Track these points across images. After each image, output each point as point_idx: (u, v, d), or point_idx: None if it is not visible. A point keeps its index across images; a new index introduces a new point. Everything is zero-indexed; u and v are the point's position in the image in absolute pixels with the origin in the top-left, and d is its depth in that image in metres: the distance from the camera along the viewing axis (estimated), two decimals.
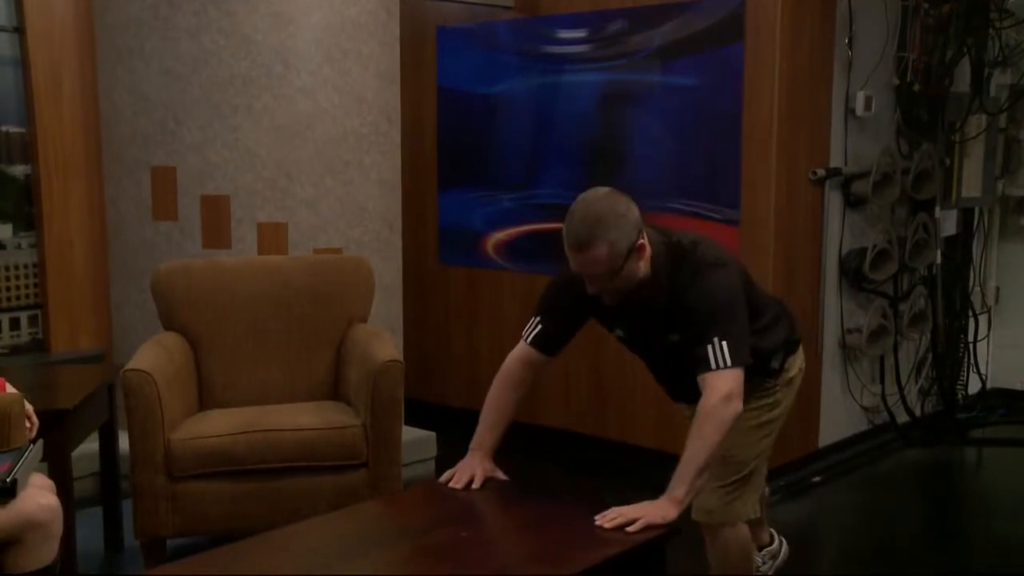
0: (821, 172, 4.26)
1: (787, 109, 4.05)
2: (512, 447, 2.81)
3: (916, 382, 5.02)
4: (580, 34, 4.53)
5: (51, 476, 2.71)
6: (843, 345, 4.54)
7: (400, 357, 3.46)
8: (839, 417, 4.56)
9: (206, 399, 3.65)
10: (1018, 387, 5.39)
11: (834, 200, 4.38)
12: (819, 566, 3.56)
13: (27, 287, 4.35)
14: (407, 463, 3.64)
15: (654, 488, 2.41)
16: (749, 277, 2.64)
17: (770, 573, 3.19)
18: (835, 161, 4.34)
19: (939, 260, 4.84)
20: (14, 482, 2.38)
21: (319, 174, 4.27)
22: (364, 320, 3.84)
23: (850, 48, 4.31)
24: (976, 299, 5.26)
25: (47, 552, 2.47)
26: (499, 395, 2.66)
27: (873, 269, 4.42)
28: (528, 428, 4.60)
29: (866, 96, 4.36)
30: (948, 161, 4.82)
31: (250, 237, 4.20)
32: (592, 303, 2.53)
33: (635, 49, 4.36)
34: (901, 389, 4.84)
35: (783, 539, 3.20)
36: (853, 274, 4.46)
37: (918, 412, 5.00)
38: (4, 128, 4.30)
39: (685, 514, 2.36)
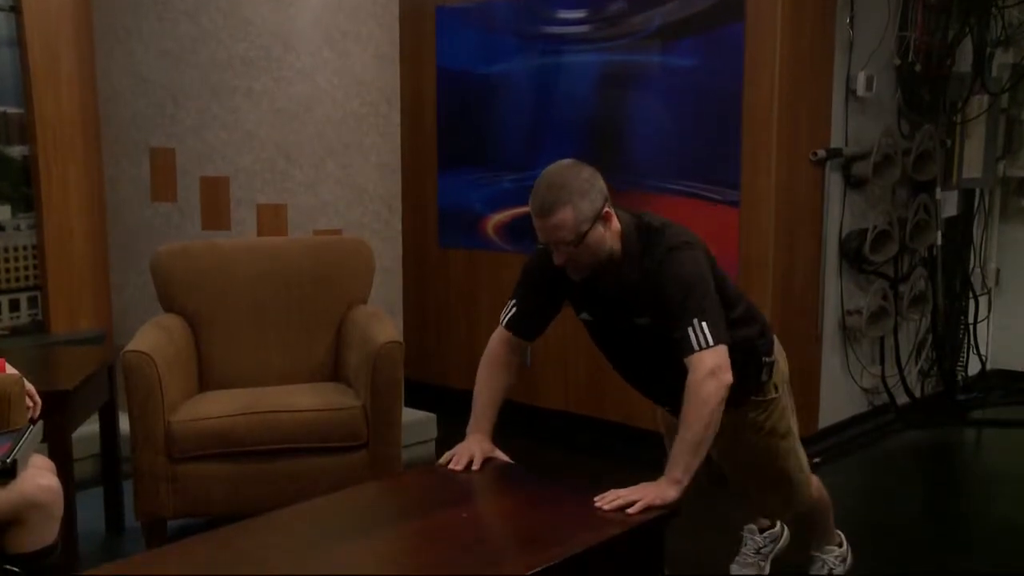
0: (822, 153, 4.24)
1: (787, 90, 4.03)
2: (511, 429, 2.82)
3: (916, 363, 5.03)
4: (580, 14, 4.51)
5: (51, 457, 2.72)
6: (843, 326, 4.54)
7: (400, 338, 3.46)
8: (839, 398, 4.57)
9: (206, 380, 3.66)
10: (1018, 368, 5.39)
11: (835, 181, 4.37)
12: None
13: (26, 268, 4.34)
14: (407, 444, 3.64)
15: (653, 469, 2.41)
16: (717, 267, 2.58)
17: (771, 556, 3.20)
18: (836, 142, 4.33)
19: (939, 241, 4.83)
20: (14, 463, 2.38)
21: (319, 156, 4.26)
22: (364, 302, 3.83)
23: (851, 28, 4.29)
24: (976, 280, 5.25)
25: (48, 532, 2.47)
26: (488, 377, 2.65)
27: (873, 250, 4.42)
28: (527, 410, 4.61)
29: (867, 76, 4.34)
30: (949, 142, 4.81)
31: (250, 219, 4.20)
32: (562, 283, 2.52)
33: (635, 29, 4.34)
34: (901, 370, 4.85)
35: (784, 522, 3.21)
36: (853, 255, 4.45)
37: (918, 393, 5.01)
38: (1, 109, 4.28)
39: (684, 496, 2.36)
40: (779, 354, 2.72)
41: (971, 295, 5.22)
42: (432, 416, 4.52)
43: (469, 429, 2.62)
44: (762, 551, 3.18)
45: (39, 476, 2.47)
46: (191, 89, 4.11)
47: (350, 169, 4.35)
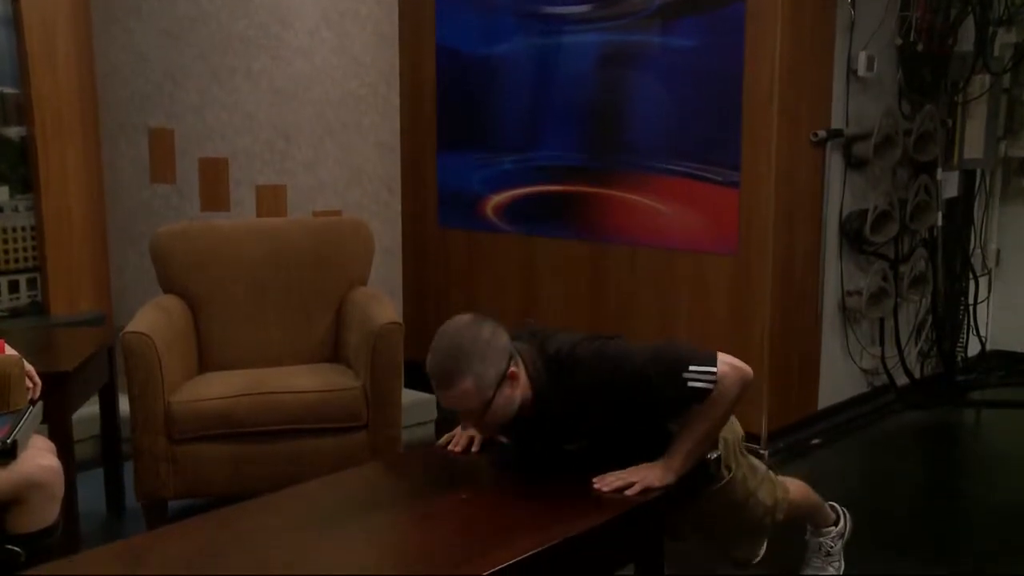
0: (822, 133, 4.23)
1: (788, 70, 4.01)
2: None
3: (916, 344, 5.03)
4: None
5: (52, 438, 2.72)
6: (843, 307, 4.54)
7: (400, 319, 3.45)
8: (838, 379, 4.57)
9: (206, 362, 3.66)
10: (1018, 349, 5.39)
11: (835, 162, 4.36)
12: None
13: (25, 250, 4.34)
14: (407, 425, 3.64)
15: (652, 452, 2.41)
16: None
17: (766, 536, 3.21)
18: (836, 122, 4.31)
19: (940, 222, 4.82)
20: (14, 443, 2.39)
21: (318, 136, 4.24)
22: (364, 283, 3.83)
23: (852, 7, 4.26)
24: (976, 261, 5.25)
25: (49, 513, 2.48)
26: None
27: (874, 231, 4.41)
28: None
29: (868, 56, 4.32)
30: (950, 122, 4.79)
31: (249, 200, 4.19)
32: None
33: (636, 9, 4.31)
34: (901, 351, 4.85)
35: None
36: (854, 236, 4.44)
37: (917, 374, 5.01)
38: None
39: (683, 478, 2.37)
40: (726, 429, 2.52)
41: (971, 276, 5.21)
42: (432, 397, 4.52)
43: None
44: None
45: (39, 457, 2.48)
46: (190, 69, 4.10)
47: (349, 150, 4.33)
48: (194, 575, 1.94)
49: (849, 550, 3.10)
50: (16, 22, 4.23)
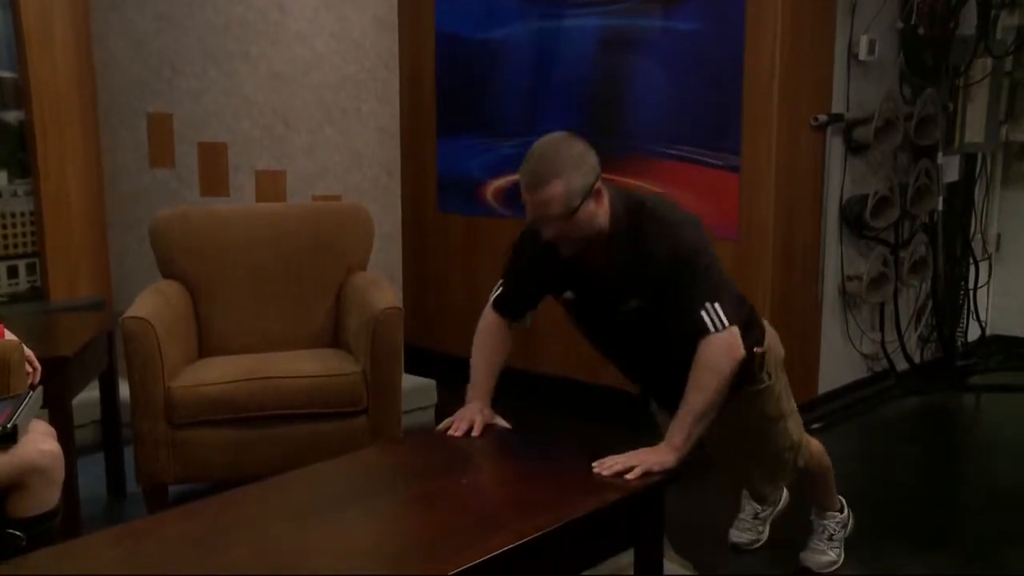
0: (823, 118, 4.22)
1: (789, 54, 4.00)
2: (512, 394, 2.82)
3: (916, 329, 5.03)
4: None
5: (52, 423, 2.72)
6: (843, 292, 4.53)
7: (399, 304, 3.45)
8: (838, 364, 4.58)
9: (205, 347, 3.66)
10: (1018, 334, 5.39)
11: (836, 146, 4.35)
12: None
13: (24, 235, 4.33)
14: (407, 410, 3.65)
15: (652, 435, 2.42)
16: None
17: (769, 520, 3.22)
18: (837, 107, 4.30)
19: (940, 207, 4.82)
20: (15, 428, 2.39)
21: (317, 121, 4.23)
22: (363, 268, 3.83)
23: None
24: (977, 246, 5.24)
25: (49, 497, 2.49)
26: (485, 345, 2.65)
27: (874, 216, 4.40)
28: (528, 375, 4.62)
29: (869, 40, 4.31)
30: (951, 106, 4.78)
31: (248, 185, 4.18)
32: (548, 263, 2.45)
33: None
34: (901, 336, 4.85)
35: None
36: (854, 221, 4.44)
37: (917, 359, 5.01)
38: None
39: (682, 462, 2.37)
40: (772, 338, 2.67)
41: (972, 261, 5.21)
42: (432, 382, 4.53)
43: (469, 395, 2.63)
44: (760, 515, 3.20)
45: (40, 441, 2.48)
46: (188, 53, 4.08)
47: (349, 134, 4.32)
48: (195, 559, 1.94)
49: (849, 534, 3.11)
50: (13, 6, 4.21)
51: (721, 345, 2.35)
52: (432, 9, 5.00)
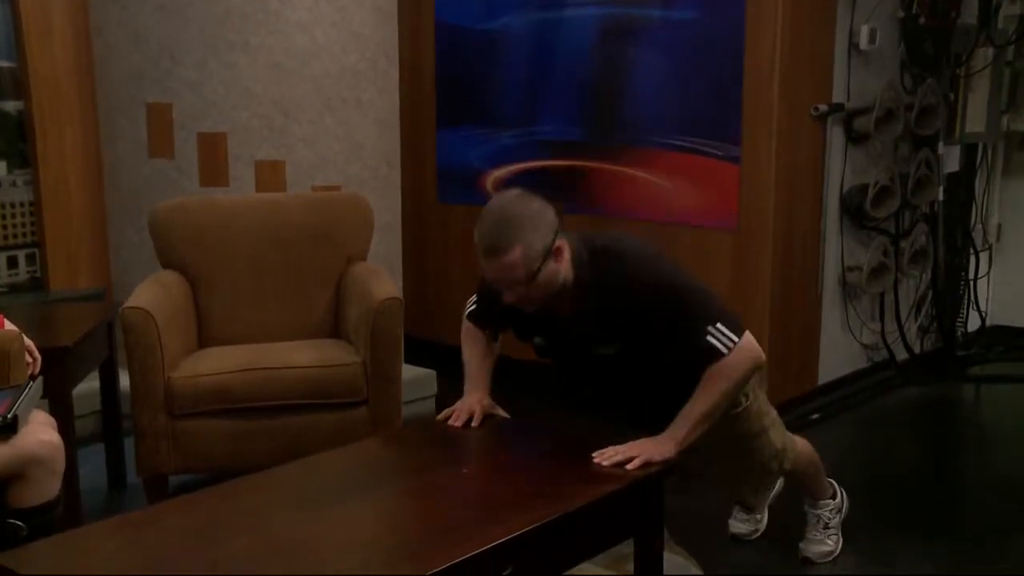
0: (823, 108, 4.21)
1: (789, 43, 3.99)
2: (511, 385, 2.82)
3: (916, 320, 5.03)
4: None
5: (52, 413, 2.72)
6: (843, 283, 4.53)
7: (399, 294, 3.45)
8: (838, 354, 4.57)
9: (205, 337, 3.66)
10: (1018, 324, 5.39)
11: (836, 136, 4.34)
12: None
13: (24, 225, 4.32)
14: (407, 401, 3.65)
15: (653, 426, 2.41)
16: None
17: (767, 505, 3.22)
18: (838, 96, 4.29)
19: (941, 197, 4.81)
20: (15, 418, 2.39)
21: (317, 112, 4.22)
22: (363, 258, 3.83)
23: None
24: (977, 236, 5.23)
25: (50, 487, 2.49)
26: (474, 340, 2.66)
27: (874, 206, 4.40)
28: (528, 366, 4.61)
29: (870, 29, 4.29)
30: (952, 96, 4.76)
31: (248, 175, 4.17)
32: (513, 311, 2.41)
33: None
34: (901, 327, 4.85)
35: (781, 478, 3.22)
36: (854, 211, 4.43)
37: (917, 349, 5.01)
38: None
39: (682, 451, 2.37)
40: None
41: (972, 251, 5.20)
42: (432, 372, 4.53)
43: (467, 387, 2.63)
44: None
45: (40, 431, 2.48)
46: (187, 44, 4.07)
47: (348, 125, 4.31)
48: (195, 549, 1.94)
49: (848, 524, 3.12)
50: None
51: (740, 358, 2.33)
52: None
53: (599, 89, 4.47)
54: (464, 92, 4.95)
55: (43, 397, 2.72)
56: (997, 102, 4.91)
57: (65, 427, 2.72)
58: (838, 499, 3.09)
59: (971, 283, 5.23)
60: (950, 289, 5.12)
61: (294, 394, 3.30)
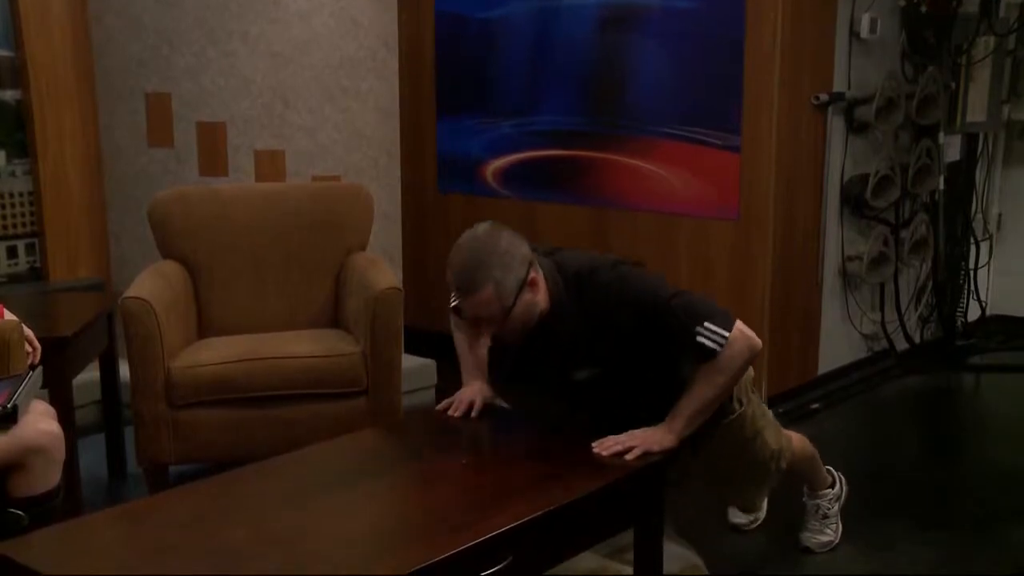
0: (824, 97, 4.20)
1: (790, 32, 3.98)
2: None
3: (916, 309, 5.03)
4: None
5: (52, 403, 2.72)
6: (843, 272, 4.53)
7: (399, 284, 3.45)
8: (838, 344, 4.57)
9: (205, 327, 3.66)
10: (1018, 314, 5.38)
11: (837, 126, 4.33)
12: None
13: (23, 215, 4.32)
14: (407, 391, 3.65)
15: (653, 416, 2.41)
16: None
17: (766, 497, 3.22)
18: (838, 86, 4.28)
19: (942, 186, 4.80)
20: (15, 408, 2.39)
21: (316, 101, 4.21)
22: (363, 248, 3.82)
23: None
24: (978, 226, 5.23)
25: (50, 477, 2.49)
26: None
27: (875, 196, 4.39)
28: None
29: (871, 18, 4.28)
30: (953, 85, 4.75)
31: (247, 164, 4.17)
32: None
33: None
34: (901, 316, 4.85)
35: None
36: (855, 201, 4.43)
37: (917, 339, 5.01)
38: None
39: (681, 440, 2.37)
40: None
41: (972, 240, 5.20)
42: (432, 362, 4.53)
43: (466, 378, 2.63)
44: None
45: (40, 421, 2.49)
46: (186, 32, 4.06)
47: (348, 114, 4.31)
48: (195, 538, 1.95)
49: (848, 514, 3.12)
50: None
51: (734, 352, 2.31)
52: None
53: (599, 78, 4.46)
54: (464, 81, 4.94)
55: (43, 387, 2.72)
56: (998, 91, 4.90)
57: (65, 417, 2.72)
58: (836, 487, 3.09)
59: (971, 273, 5.23)
60: (950, 279, 5.12)
61: (294, 384, 3.30)
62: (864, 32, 4.27)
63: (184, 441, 3.25)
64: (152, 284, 3.36)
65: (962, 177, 5.04)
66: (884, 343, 4.81)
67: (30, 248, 4.35)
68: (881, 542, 3.12)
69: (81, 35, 4.33)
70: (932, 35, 4.58)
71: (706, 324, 2.29)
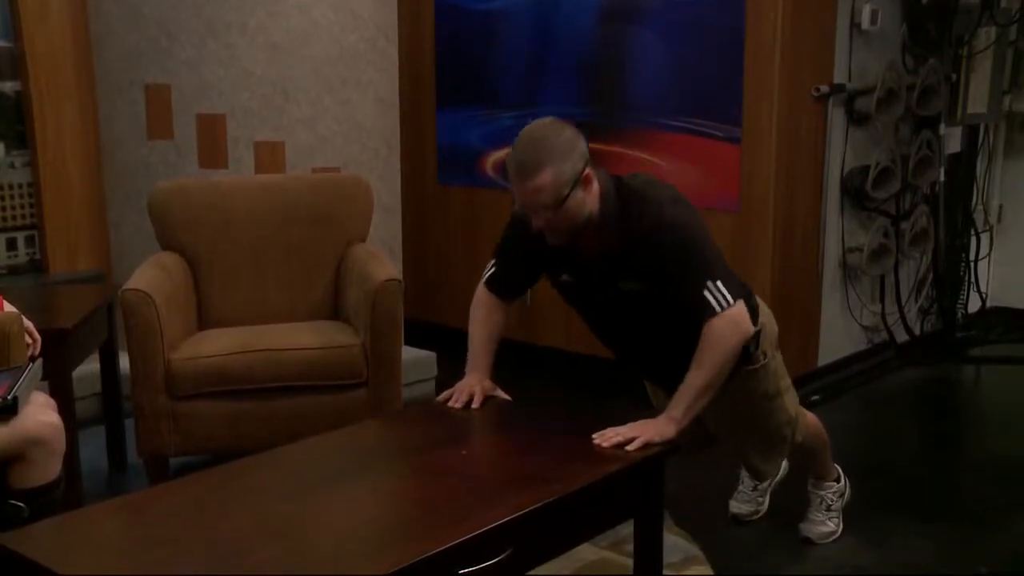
0: (824, 88, 4.19)
1: (791, 23, 3.97)
2: (512, 367, 2.82)
3: (916, 301, 5.03)
4: None
5: (52, 395, 2.73)
6: (844, 264, 4.53)
7: (399, 276, 3.45)
8: (839, 336, 4.58)
9: (205, 319, 3.66)
10: (1018, 306, 5.38)
11: (837, 117, 4.33)
12: None
13: (23, 207, 4.31)
14: (407, 383, 3.65)
15: (651, 408, 2.42)
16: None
17: (769, 491, 3.22)
18: (839, 77, 4.27)
19: (942, 178, 4.79)
20: (15, 399, 2.39)
21: (316, 92, 4.21)
22: (363, 240, 3.82)
23: None
24: (978, 217, 5.23)
25: (51, 468, 2.49)
26: (482, 318, 2.65)
27: (875, 187, 4.39)
28: (528, 348, 4.62)
29: (872, 9, 4.27)
30: (954, 76, 4.74)
31: (247, 156, 4.16)
32: (540, 250, 2.44)
33: None
34: (901, 308, 4.85)
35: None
36: (855, 193, 4.42)
37: (918, 331, 5.01)
38: None
39: (681, 434, 2.37)
40: (766, 318, 2.64)
41: (973, 232, 5.19)
42: (432, 354, 4.53)
43: (468, 367, 2.63)
44: (760, 487, 3.21)
45: (40, 413, 2.49)
46: (185, 24, 4.05)
47: (348, 106, 4.30)
48: (195, 530, 1.95)
49: (849, 506, 3.12)
50: None
51: (728, 323, 2.34)
52: None
53: (600, 69, 4.45)
54: (464, 72, 4.93)
55: (43, 379, 2.72)
56: (999, 83, 4.89)
57: (65, 408, 2.73)
58: (841, 483, 3.09)
59: (972, 264, 5.23)
60: (950, 270, 5.12)
61: (294, 376, 3.30)
62: (865, 23, 4.26)
63: (184, 432, 3.26)
64: (152, 276, 3.36)
65: (963, 169, 5.04)
66: (884, 335, 4.81)
67: (30, 240, 4.35)
68: (881, 534, 3.13)
69: (80, 27, 4.32)
70: (933, 26, 4.57)
71: (718, 283, 2.33)
